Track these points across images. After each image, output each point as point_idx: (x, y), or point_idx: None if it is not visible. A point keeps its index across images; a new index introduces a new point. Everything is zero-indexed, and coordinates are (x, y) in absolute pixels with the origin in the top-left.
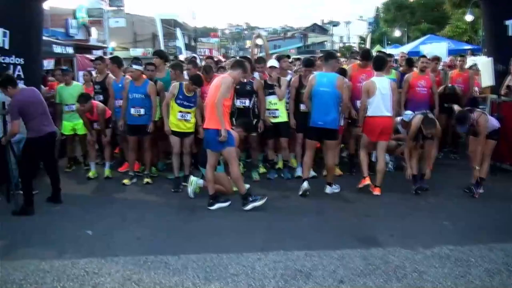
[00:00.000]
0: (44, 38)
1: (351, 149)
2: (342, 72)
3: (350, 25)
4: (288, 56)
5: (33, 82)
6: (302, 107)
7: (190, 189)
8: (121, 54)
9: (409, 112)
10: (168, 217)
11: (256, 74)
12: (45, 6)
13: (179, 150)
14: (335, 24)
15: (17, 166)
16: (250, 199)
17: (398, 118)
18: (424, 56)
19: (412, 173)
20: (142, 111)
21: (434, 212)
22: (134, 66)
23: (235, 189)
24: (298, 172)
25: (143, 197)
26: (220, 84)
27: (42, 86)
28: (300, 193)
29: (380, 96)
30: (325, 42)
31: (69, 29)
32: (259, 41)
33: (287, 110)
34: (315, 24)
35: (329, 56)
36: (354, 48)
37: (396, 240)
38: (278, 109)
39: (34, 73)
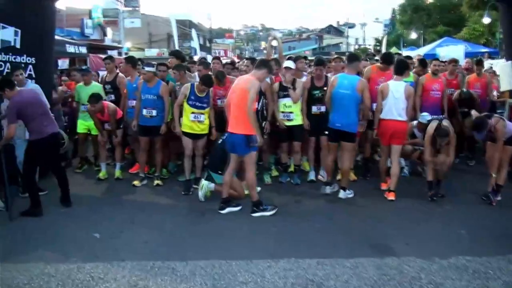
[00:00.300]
0: (57, 37)
1: (366, 152)
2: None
3: (365, 27)
4: (305, 57)
5: (45, 81)
6: (314, 109)
7: (200, 193)
8: (136, 54)
9: (425, 113)
10: (177, 221)
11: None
12: (61, 6)
13: (191, 152)
14: (351, 26)
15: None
16: (261, 207)
17: (415, 122)
18: (436, 59)
19: (428, 179)
20: (154, 112)
21: (450, 219)
22: (147, 68)
23: (246, 192)
24: (311, 176)
25: (153, 199)
26: (247, 89)
27: (59, 87)
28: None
29: (393, 99)
30: (341, 44)
31: (85, 29)
32: (274, 43)
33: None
34: (330, 26)
35: (353, 58)
36: (370, 50)
37: (411, 249)
38: (292, 112)
39: (46, 73)
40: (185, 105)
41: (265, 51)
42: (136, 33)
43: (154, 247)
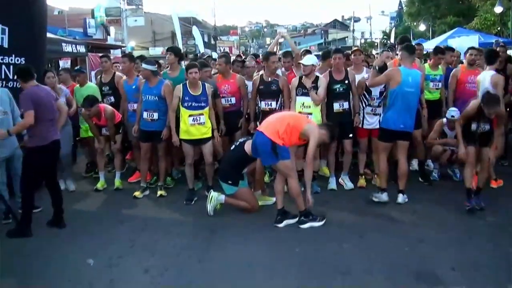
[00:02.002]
0: (53, 36)
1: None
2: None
3: (371, 20)
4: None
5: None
6: (336, 106)
7: (209, 206)
8: (140, 53)
9: (453, 109)
10: (182, 242)
11: (279, 71)
12: (63, 6)
13: (193, 160)
14: (356, 19)
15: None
16: (310, 217)
17: (444, 119)
18: (473, 48)
19: (466, 187)
20: (155, 115)
21: (496, 235)
22: (144, 65)
23: (261, 203)
24: (332, 185)
25: (155, 214)
26: None
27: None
28: (383, 200)
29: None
30: (346, 38)
31: (87, 29)
32: (281, 40)
33: None
34: (335, 20)
35: (412, 48)
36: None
37: (459, 275)
38: (311, 113)
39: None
40: (181, 109)
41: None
42: (139, 32)
43: (156, 278)
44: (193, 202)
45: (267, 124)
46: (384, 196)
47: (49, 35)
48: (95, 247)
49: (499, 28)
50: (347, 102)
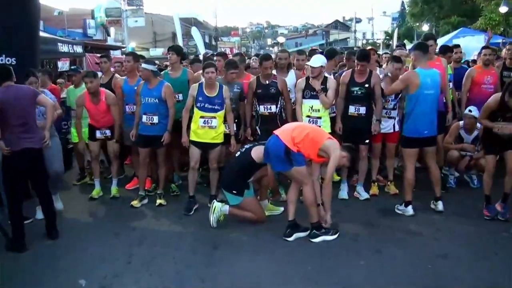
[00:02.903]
0: (48, 36)
1: (440, 161)
2: None
3: (373, 21)
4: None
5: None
6: (352, 109)
7: (212, 217)
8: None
9: (473, 108)
10: (183, 258)
11: (291, 72)
12: (63, 7)
13: (197, 165)
14: (358, 20)
15: None
16: (323, 230)
17: (461, 122)
18: (487, 47)
19: (485, 193)
20: (155, 118)
21: None
22: (144, 65)
23: (267, 213)
24: (343, 193)
25: (154, 226)
26: None
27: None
28: (409, 214)
29: None
30: (348, 39)
31: (87, 30)
32: (280, 39)
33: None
34: (336, 21)
35: (425, 47)
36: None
37: None
38: (320, 118)
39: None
40: (194, 109)
41: (271, 48)
42: (140, 33)
43: None
44: (192, 212)
45: (283, 129)
46: (409, 210)
47: (44, 34)
48: (89, 264)
49: (503, 29)
50: (365, 108)
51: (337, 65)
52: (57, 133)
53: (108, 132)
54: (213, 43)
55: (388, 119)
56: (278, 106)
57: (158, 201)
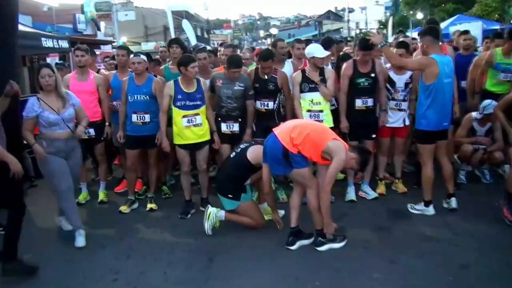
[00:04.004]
0: (29, 30)
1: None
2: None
3: (366, 10)
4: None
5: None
6: (359, 103)
7: (207, 225)
8: (132, 48)
9: (488, 101)
10: (175, 275)
11: (288, 62)
12: (53, 2)
13: (189, 168)
14: (350, 10)
15: None
16: (330, 237)
17: (474, 114)
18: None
19: (509, 191)
20: (146, 117)
21: None
22: (143, 56)
23: (267, 218)
24: (351, 195)
25: (144, 235)
26: None
27: None
28: (430, 214)
29: None
30: (341, 29)
31: (77, 25)
32: (273, 31)
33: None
34: (329, 11)
35: (436, 31)
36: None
37: None
38: (322, 111)
39: (6, 74)
40: (174, 110)
41: (264, 40)
42: (131, 27)
43: None
44: (189, 215)
45: (282, 128)
46: (431, 209)
47: (27, 29)
48: (70, 283)
49: (498, 15)
50: (372, 99)
51: (334, 55)
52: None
53: (92, 131)
54: (205, 36)
55: (398, 111)
56: (276, 102)
57: (149, 206)
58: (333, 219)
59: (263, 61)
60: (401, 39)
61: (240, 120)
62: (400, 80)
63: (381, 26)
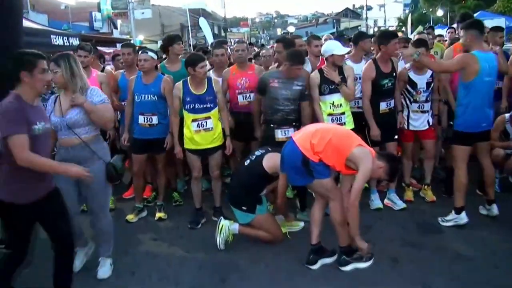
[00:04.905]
0: (38, 27)
1: (449, 161)
2: None
3: (384, 8)
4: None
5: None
6: (383, 106)
7: (219, 238)
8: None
9: None
10: None
11: (306, 61)
12: (70, 1)
13: (200, 174)
14: (369, 8)
15: None
16: (355, 256)
17: (507, 115)
18: None
19: None
20: (154, 119)
21: None
22: (150, 54)
23: (284, 230)
24: (377, 203)
25: (151, 248)
26: None
27: None
28: (459, 223)
29: None
30: (359, 27)
31: (94, 23)
32: (290, 29)
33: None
34: (347, 9)
35: (481, 25)
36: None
37: None
38: (344, 113)
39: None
40: (184, 112)
41: None
42: (148, 25)
43: None
44: (199, 225)
45: (302, 133)
46: (464, 217)
47: (35, 25)
48: None
49: None
50: (393, 99)
51: (367, 51)
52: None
53: None
54: (222, 34)
55: (421, 113)
56: None
57: (158, 215)
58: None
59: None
60: (418, 37)
61: (294, 124)
62: (421, 80)
63: (400, 24)
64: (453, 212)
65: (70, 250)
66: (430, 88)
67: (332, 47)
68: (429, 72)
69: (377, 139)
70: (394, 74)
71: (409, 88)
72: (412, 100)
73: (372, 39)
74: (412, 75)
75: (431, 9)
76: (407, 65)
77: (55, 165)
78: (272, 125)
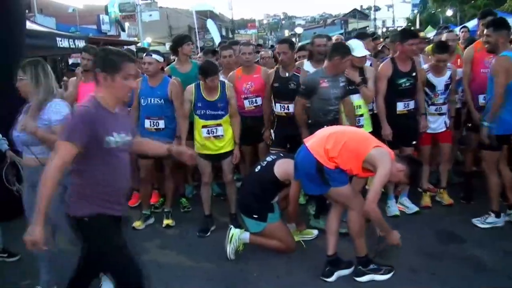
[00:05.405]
0: (43, 29)
1: (467, 165)
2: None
3: (392, 8)
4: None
5: (11, 88)
6: (400, 106)
7: (229, 248)
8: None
9: None
10: None
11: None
12: (77, 4)
13: (210, 179)
14: (377, 8)
15: None
16: (372, 266)
17: None
18: None
19: None
20: (160, 123)
21: None
22: (155, 56)
23: (297, 239)
24: (394, 209)
25: (158, 258)
26: None
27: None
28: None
29: None
30: (367, 28)
31: (101, 26)
32: (298, 30)
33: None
34: (355, 10)
35: (507, 24)
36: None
37: None
38: (362, 115)
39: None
40: (194, 117)
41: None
42: (155, 27)
43: None
44: (208, 233)
45: (315, 138)
46: (501, 221)
47: (39, 28)
48: None
49: None
50: (414, 101)
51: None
52: None
53: None
54: (230, 35)
55: (439, 116)
56: None
57: (166, 222)
58: (371, 243)
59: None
60: (437, 40)
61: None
62: (440, 82)
63: (409, 24)
64: (493, 215)
65: None
66: (448, 90)
67: (352, 47)
68: (447, 74)
69: (387, 139)
70: (414, 74)
71: (427, 90)
72: (430, 102)
73: (389, 38)
74: (431, 77)
75: (440, 9)
76: (425, 66)
77: (41, 206)
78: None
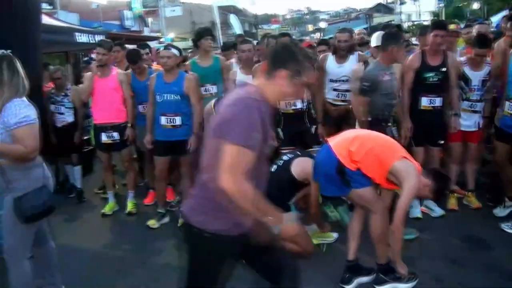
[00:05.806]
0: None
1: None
2: None
3: (417, 2)
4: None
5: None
6: (425, 101)
7: None
8: (180, 44)
9: None
10: None
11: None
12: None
13: None
14: (402, 2)
15: None
16: (393, 275)
17: None
18: None
19: None
20: (177, 120)
21: None
22: (173, 50)
23: (315, 242)
24: (416, 211)
25: (171, 259)
26: None
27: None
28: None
29: None
30: (392, 22)
31: (124, 21)
32: (322, 25)
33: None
34: (379, 4)
35: None
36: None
37: None
38: None
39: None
40: None
41: (312, 35)
42: (178, 22)
43: None
44: None
45: (340, 138)
46: None
47: (57, 23)
48: None
49: None
50: (441, 98)
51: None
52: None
53: (116, 135)
54: (253, 30)
55: (472, 113)
56: (305, 100)
57: (181, 221)
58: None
59: None
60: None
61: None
62: (476, 77)
63: (435, 17)
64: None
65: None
66: (484, 87)
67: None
68: (485, 69)
69: (407, 134)
70: (444, 69)
71: (461, 84)
72: (463, 97)
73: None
74: (466, 70)
75: (466, 2)
76: (462, 58)
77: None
78: (383, 124)
